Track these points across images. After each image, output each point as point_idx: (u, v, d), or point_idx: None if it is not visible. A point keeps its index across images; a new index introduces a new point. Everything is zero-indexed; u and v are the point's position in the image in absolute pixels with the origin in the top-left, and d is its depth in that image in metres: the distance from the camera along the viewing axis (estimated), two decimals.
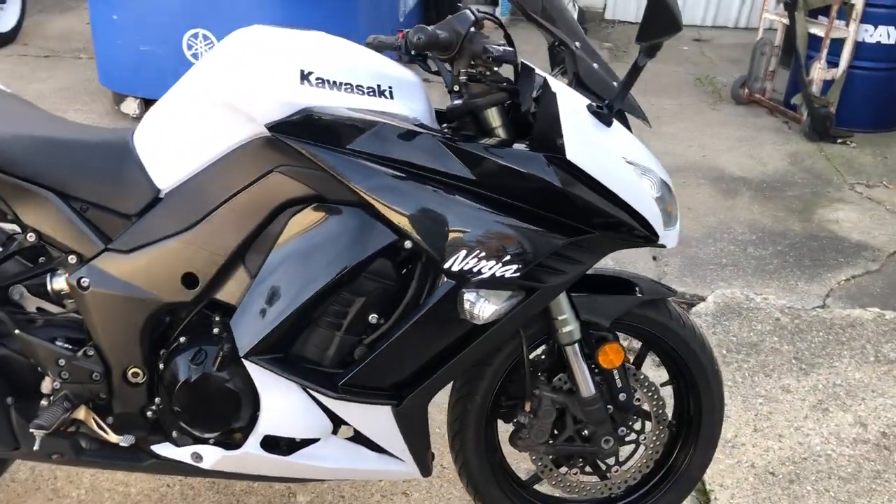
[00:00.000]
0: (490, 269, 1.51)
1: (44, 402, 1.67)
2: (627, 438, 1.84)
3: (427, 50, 1.51)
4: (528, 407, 1.78)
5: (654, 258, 3.36)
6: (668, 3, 1.40)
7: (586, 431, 1.80)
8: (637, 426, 1.86)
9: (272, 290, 1.56)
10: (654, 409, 1.87)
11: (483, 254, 1.50)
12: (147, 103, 4.32)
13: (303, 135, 1.50)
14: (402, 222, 1.50)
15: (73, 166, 1.61)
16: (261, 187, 1.54)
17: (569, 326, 1.70)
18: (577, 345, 1.72)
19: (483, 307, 1.54)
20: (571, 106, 1.52)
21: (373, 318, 1.59)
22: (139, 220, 1.59)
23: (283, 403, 1.60)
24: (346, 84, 1.53)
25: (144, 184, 1.59)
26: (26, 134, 1.63)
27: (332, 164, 1.50)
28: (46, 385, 1.68)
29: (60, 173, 1.61)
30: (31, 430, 1.59)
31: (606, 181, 1.54)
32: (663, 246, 1.64)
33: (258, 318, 1.56)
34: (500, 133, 1.59)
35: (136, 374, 1.64)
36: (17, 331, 1.63)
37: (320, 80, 1.51)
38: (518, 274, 1.52)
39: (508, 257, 1.51)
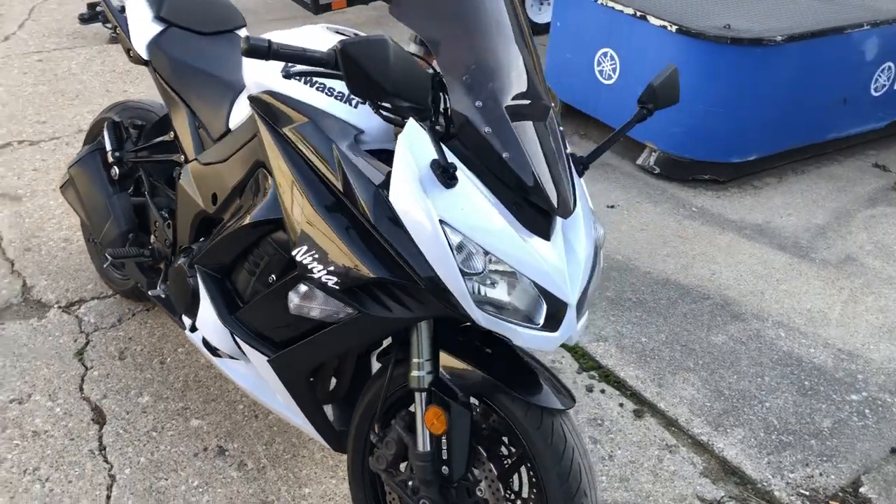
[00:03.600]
0: (319, 272, 1.63)
1: (134, 248, 2.39)
2: None
3: None
4: (376, 429, 1.83)
5: None
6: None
7: (410, 483, 1.77)
8: None
9: (225, 221, 1.97)
10: (493, 501, 1.71)
11: (318, 256, 1.64)
12: (561, 105, 4.76)
13: (262, 110, 1.83)
14: (284, 201, 1.73)
15: (200, 94, 2.23)
16: (250, 147, 1.93)
17: (419, 372, 1.69)
18: (425, 394, 1.70)
19: (299, 302, 1.69)
20: (411, 152, 1.51)
21: (271, 278, 1.86)
22: (214, 145, 2.13)
23: (207, 312, 2.00)
24: (320, 84, 1.79)
25: (224, 120, 2.12)
26: (189, 63, 2.29)
27: (271, 140, 1.80)
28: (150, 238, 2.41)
29: (193, 96, 2.24)
30: (105, 254, 2.34)
31: (416, 237, 1.50)
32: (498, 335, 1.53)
33: (212, 236, 1.98)
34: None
35: (175, 251, 2.23)
36: (146, 191, 2.37)
37: (299, 76, 1.80)
38: (337, 287, 1.62)
39: (333, 268, 1.61)
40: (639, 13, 3.94)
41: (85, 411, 2.44)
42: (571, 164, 1.70)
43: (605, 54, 4.20)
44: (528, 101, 1.63)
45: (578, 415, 2.56)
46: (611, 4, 4.08)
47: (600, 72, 4.27)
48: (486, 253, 1.50)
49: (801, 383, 2.74)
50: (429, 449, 1.70)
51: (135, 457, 2.30)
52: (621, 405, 2.62)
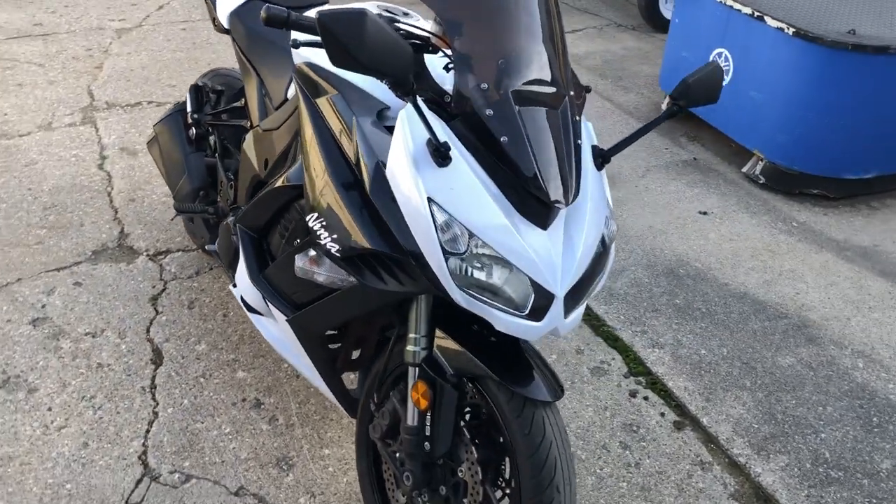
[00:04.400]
0: (325, 239, 1.69)
1: (199, 205, 2.55)
2: (432, 498, 1.76)
3: None
4: (375, 399, 1.87)
5: None
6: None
7: (398, 455, 1.80)
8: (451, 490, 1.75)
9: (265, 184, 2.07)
10: (472, 484, 1.72)
11: (326, 223, 1.70)
12: None
13: (302, 80, 1.90)
14: (305, 169, 1.79)
15: (268, 64, 2.34)
16: (295, 116, 2.02)
17: (414, 347, 1.72)
18: (417, 369, 1.73)
19: (304, 266, 1.75)
20: (409, 129, 1.53)
21: (296, 241, 1.94)
22: (274, 113, 2.24)
23: (242, 269, 2.11)
24: None
25: (284, 90, 2.22)
26: (262, 34, 2.40)
27: (304, 110, 1.87)
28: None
29: (262, 66, 2.35)
30: (174, 206, 2.51)
31: (405, 212, 1.52)
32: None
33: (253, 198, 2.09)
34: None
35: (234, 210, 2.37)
36: (217, 153, 2.52)
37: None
38: (339, 255, 1.67)
39: (337, 237, 1.67)
40: (757, 13, 3.74)
41: (146, 351, 2.64)
42: (581, 155, 1.66)
43: (719, 54, 4.02)
44: (541, 88, 1.61)
45: (613, 419, 2.50)
46: (729, 3, 3.89)
47: None
48: (472, 235, 1.50)
49: (868, 419, 2.54)
50: (415, 423, 1.73)
51: (179, 398, 2.46)
52: (662, 415, 2.53)
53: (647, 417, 2.52)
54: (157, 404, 2.44)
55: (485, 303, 1.54)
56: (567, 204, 1.57)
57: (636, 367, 2.72)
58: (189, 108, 2.70)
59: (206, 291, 2.94)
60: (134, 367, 2.57)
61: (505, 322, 1.55)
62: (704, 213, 3.67)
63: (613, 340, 2.84)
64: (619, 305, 3.00)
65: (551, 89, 1.62)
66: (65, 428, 2.32)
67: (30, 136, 3.95)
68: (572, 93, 1.68)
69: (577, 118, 1.68)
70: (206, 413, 2.41)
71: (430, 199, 1.50)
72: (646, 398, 2.60)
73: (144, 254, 3.13)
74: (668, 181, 3.94)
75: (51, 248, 3.11)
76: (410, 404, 1.74)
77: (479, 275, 1.53)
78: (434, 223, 1.49)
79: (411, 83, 1.43)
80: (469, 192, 1.52)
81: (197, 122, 2.67)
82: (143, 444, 2.29)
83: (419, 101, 1.52)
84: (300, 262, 1.79)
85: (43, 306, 2.80)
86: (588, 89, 2.01)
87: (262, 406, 2.45)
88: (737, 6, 3.85)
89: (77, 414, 2.38)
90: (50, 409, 2.38)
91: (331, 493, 2.19)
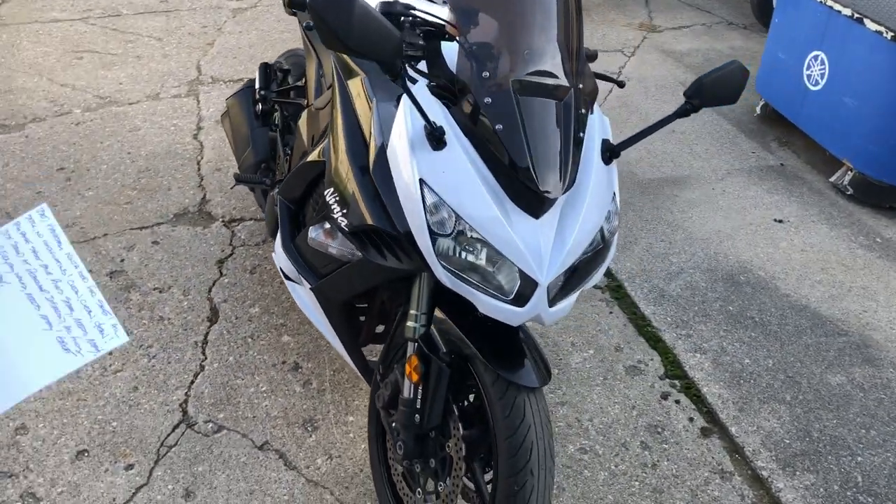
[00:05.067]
0: (337, 213, 1.79)
1: (256, 176, 2.70)
2: (424, 468, 1.83)
3: None
4: (380, 370, 1.96)
5: None
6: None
7: (394, 425, 1.88)
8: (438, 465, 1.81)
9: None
10: (456, 459, 1.78)
11: (339, 198, 1.79)
12: (766, 108, 4.43)
13: (338, 62, 2.00)
14: (330, 146, 1.89)
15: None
16: (330, 95, 2.12)
17: (412, 323, 1.80)
18: (415, 345, 1.81)
19: (317, 238, 1.85)
20: (410, 112, 1.59)
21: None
22: (326, 91, 2.36)
23: (279, 237, 2.24)
24: None
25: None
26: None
27: (336, 90, 1.97)
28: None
29: (320, 47, 2.47)
30: (234, 175, 2.67)
31: (399, 192, 1.59)
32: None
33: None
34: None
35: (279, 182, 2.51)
36: (279, 128, 2.67)
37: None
38: (347, 230, 1.76)
39: (346, 212, 1.76)
40: (856, 15, 3.55)
41: (204, 309, 2.84)
42: (584, 148, 1.68)
43: (815, 57, 3.84)
44: (545, 80, 1.64)
45: (639, 418, 2.49)
46: (829, 3, 3.71)
47: (808, 76, 3.91)
48: (459, 218, 1.56)
49: None
50: (410, 396, 1.81)
51: (226, 355, 2.64)
52: (691, 419, 2.50)
53: (674, 420, 2.49)
54: (206, 358, 2.62)
55: (469, 284, 1.59)
56: (558, 195, 1.60)
57: (673, 369, 2.69)
58: (257, 85, 2.86)
59: (269, 259, 3.11)
60: (191, 322, 2.77)
61: (487, 305, 1.60)
62: (780, 221, 3.54)
63: (655, 341, 2.81)
64: (669, 307, 2.96)
65: (556, 81, 1.64)
66: (120, 372, 2.54)
67: (138, 105, 4.27)
68: (581, 85, 1.70)
69: (584, 111, 1.70)
70: (248, 371, 2.58)
71: (422, 181, 1.57)
72: (677, 401, 2.56)
73: (220, 220, 3.34)
74: (748, 186, 3.81)
75: (138, 208, 3.38)
76: (407, 378, 1.82)
77: (467, 257, 1.58)
78: (423, 204, 1.56)
79: (398, 67, 1.49)
80: (461, 176, 1.57)
81: (263, 99, 2.83)
82: (186, 394, 2.48)
83: (409, 84, 1.59)
84: (314, 233, 1.90)
85: (121, 260, 3.05)
86: (622, 84, 2.02)
87: (300, 370, 2.59)
88: (837, 7, 3.67)
89: (133, 360, 2.59)
90: (111, 354, 2.61)
91: (347, 457, 2.30)
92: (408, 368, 1.79)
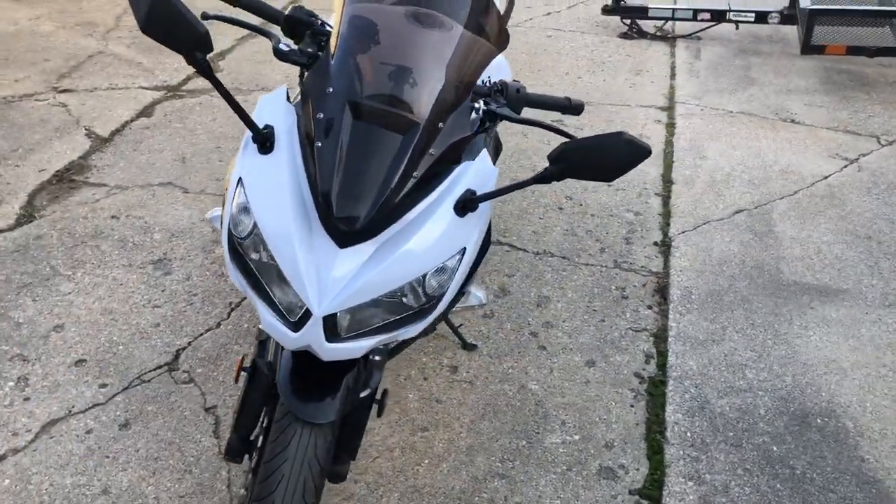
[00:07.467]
0: None
1: None
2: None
3: None
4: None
5: None
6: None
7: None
8: None
9: None
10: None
11: None
12: None
13: None
14: None
15: None
16: None
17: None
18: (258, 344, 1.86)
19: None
20: (258, 112, 1.65)
21: None
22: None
23: None
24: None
25: None
26: None
27: None
28: None
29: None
30: None
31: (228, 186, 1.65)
32: None
33: None
34: None
35: None
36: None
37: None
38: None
39: None
40: None
41: None
42: (406, 186, 1.58)
43: None
44: (391, 108, 1.59)
45: None
46: None
47: None
48: (256, 226, 1.57)
49: None
50: (240, 394, 1.87)
51: (245, 322, 2.86)
52: None
53: None
54: (227, 318, 2.87)
55: (255, 292, 1.60)
56: (353, 227, 1.54)
57: (651, 489, 2.33)
58: None
59: None
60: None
61: (264, 318, 1.59)
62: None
63: (655, 451, 2.45)
64: (700, 423, 2.54)
65: (403, 113, 1.58)
66: (158, 308, 2.90)
67: None
68: (441, 125, 1.61)
69: (432, 152, 1.60)
70: (249, 341, 2.77)
71: (240, 180, 1.62)
72: None
73: None
74: None
75: None
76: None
77: (258, 267, 1.59)
78: (231, 201, 1.61)
79: (200, 60, 1.52)
80: (274, 185, 1.59)
81: None
82: (189, 343, 2.76)
83: (285, 88, 1.64)
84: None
85: None
86: (570, 137, 1.78)
87: None
88: None
89: (174, 302, 2.93)
90: (163, 291, 2.98)
91: None
92: (237, 364, 1.84)
